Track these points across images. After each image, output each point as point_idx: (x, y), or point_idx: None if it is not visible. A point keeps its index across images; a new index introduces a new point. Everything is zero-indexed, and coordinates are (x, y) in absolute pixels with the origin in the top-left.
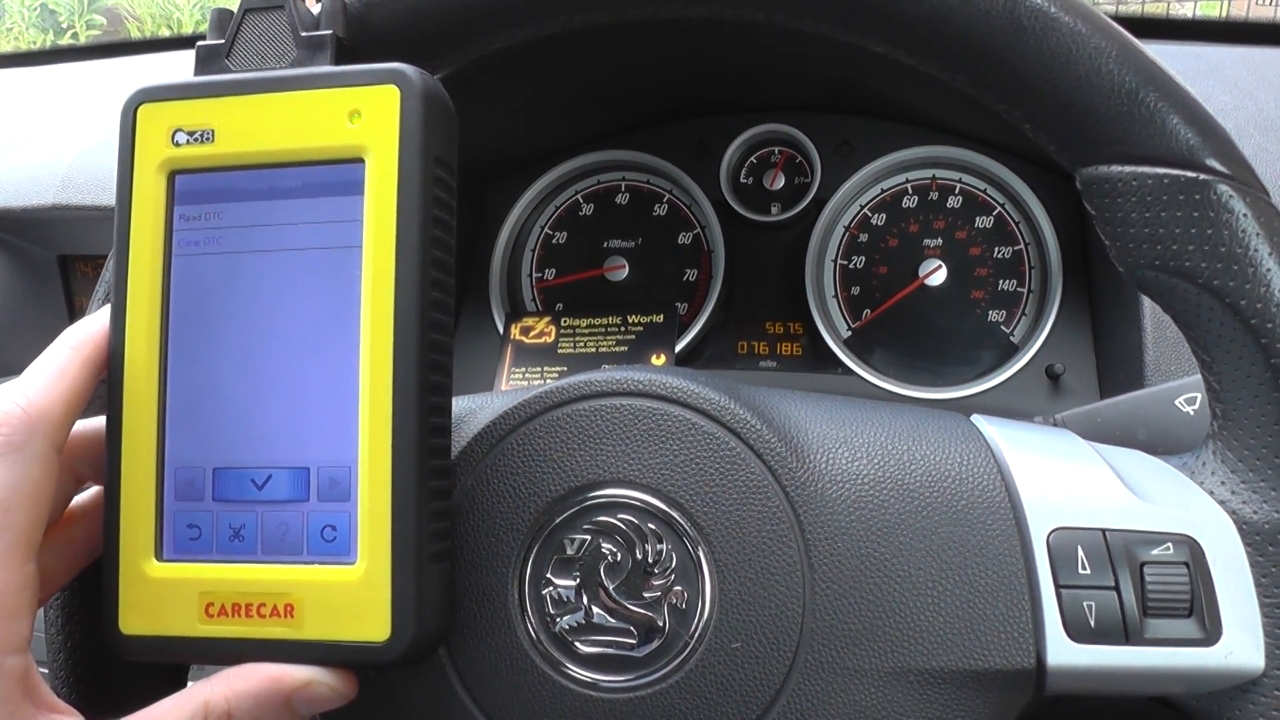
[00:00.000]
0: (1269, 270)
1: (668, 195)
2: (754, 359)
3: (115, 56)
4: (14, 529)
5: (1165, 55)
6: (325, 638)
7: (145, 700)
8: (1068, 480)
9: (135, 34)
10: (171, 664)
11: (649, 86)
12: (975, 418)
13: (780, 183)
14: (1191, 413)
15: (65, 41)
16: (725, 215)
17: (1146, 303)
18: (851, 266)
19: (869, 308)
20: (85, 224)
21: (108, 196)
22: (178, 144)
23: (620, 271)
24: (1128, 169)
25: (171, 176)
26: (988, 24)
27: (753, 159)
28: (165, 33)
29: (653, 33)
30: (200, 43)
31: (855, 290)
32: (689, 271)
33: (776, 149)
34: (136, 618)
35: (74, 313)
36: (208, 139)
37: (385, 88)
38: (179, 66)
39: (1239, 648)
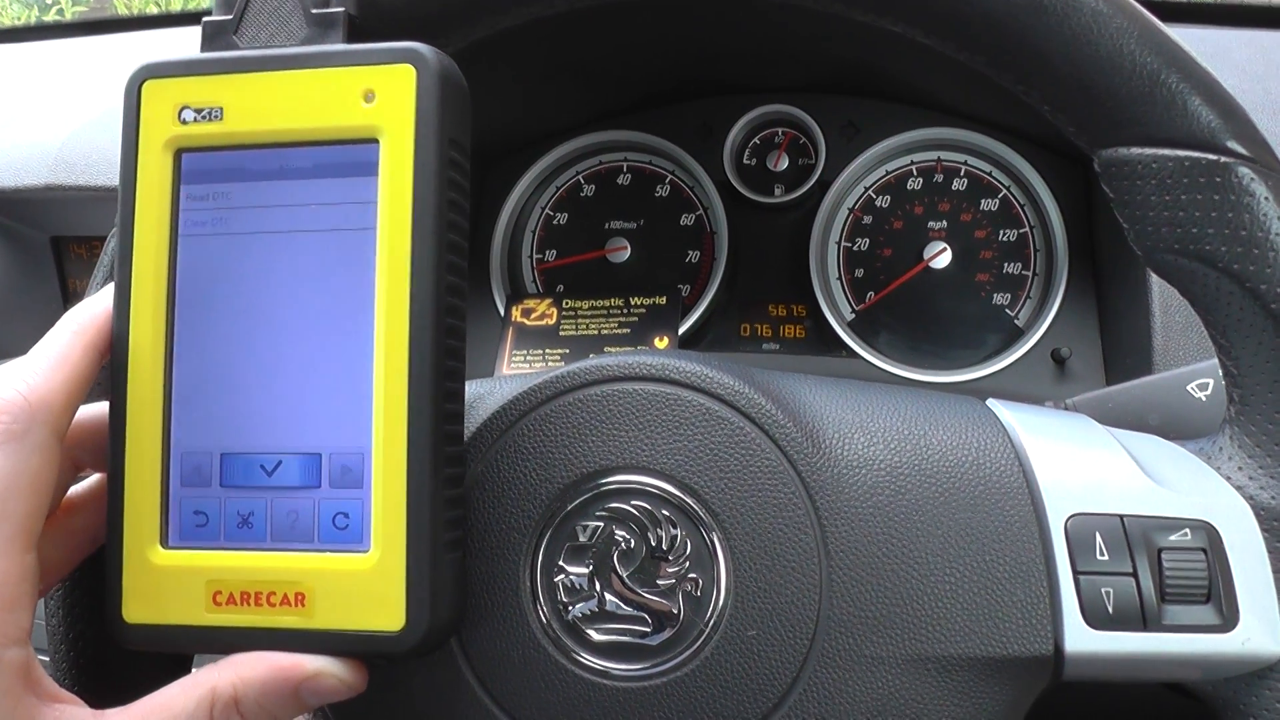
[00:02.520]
0: None
1: (670, 176)
2: (757, 341)
3: (104, 33)
4: (14, 519)
5: None
6: (337, 627)
7: (148, 690)
8: (1085, 466)
9: (123, 10)
10: (176, 654)
11: (652, 66)
12: (991, 402)
13: (784, 164)
14: (1204, 398)
15: (50, 18)
16: (728, 197)
17: (1155, 287)
18: (856, 249)
19: (873, 290)
20: (79, 205)
21: (102, 177)
22: (184, 121)
23: (622, 253)
24: (1148, 151)
25: (178, 155)
26: (1008, 4)
27: (756, 140)
28: (153, 9)
29: (657, 11)
30: (207, 18)
31: (859, 273)
32: (691, 253)
33: (780, 130)
34: (141, 606)
35: (68, 295)
36: (216, 117)
37: (401, 67)
38: (169, 44)
39: (1256, 634)
